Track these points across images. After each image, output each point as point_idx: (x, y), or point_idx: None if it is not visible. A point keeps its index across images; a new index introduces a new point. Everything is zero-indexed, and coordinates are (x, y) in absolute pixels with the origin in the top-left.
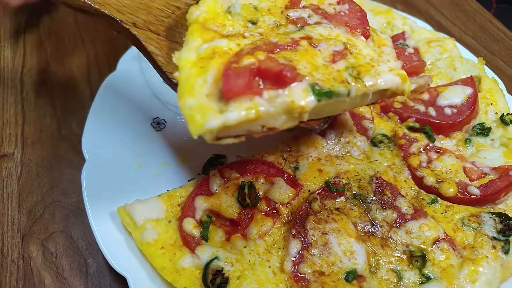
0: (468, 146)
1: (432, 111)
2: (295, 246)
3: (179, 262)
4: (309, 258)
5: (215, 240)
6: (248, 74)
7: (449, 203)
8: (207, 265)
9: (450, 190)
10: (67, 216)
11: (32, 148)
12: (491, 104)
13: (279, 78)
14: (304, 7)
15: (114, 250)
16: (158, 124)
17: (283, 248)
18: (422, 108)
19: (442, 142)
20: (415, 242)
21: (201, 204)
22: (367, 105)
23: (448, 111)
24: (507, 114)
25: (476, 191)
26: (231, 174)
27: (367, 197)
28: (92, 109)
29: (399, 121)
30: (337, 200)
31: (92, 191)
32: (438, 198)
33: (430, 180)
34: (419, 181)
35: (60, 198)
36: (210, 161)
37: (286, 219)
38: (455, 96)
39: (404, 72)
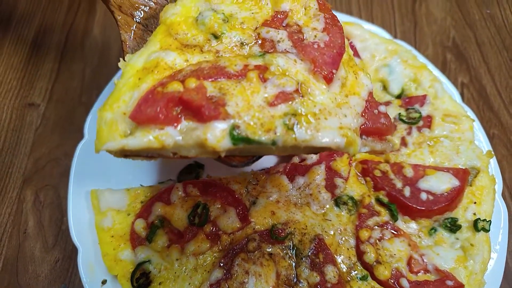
0: (430, 236)
1: (407, 191)
2: (217, 274)
3: (119, 254)
4: None
5: (157, 244)
6: (164, 102)
7: (377, 285)
8: (139, 264)
9: (384, 273)
10: (61, 175)
11: (55, 105)
12: (475, 203)
13: (198, 113)
14: (287, 25)
15: (78, 224)
16: None
17: (208, 271)
18: (399, 184)
19: (405, 224)
20: None
21: (157, 209)
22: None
23: (423, 196)
24: (483, 220)
25: (406, 285)
26: (193, 191)
27: (302, 253)
28: (105, 91)
29: (372, 189)
30: (274, 246)
31: (79, 168)
32: (369, 277)
33: (370, 258)
34: (360, 254)
35: (61, 157)
36: (187, 168)
37: (224, 247)
38: (438, 184)
39: (353, 136)
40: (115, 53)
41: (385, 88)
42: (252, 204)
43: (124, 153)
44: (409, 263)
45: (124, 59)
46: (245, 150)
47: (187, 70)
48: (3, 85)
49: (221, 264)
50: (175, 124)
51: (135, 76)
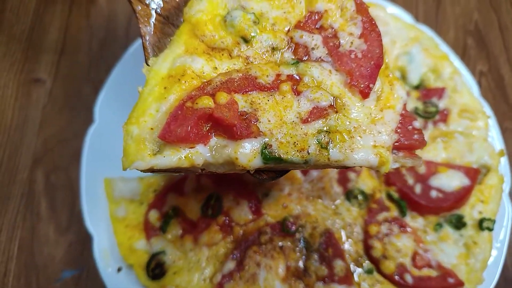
0: (436, 231)
1: (418, 188)
2: (229, 265)
3: (134, 243)
4: (236, 280)
5: (172, 233)
6: (195, 121)
7: (382, 279)
8: (154, 255)
9: (390, 266)
10: (71, 157)
11: (62, 81)
12: (482, 201)
13: (230, 131)
14: (321, 27)
15: (92, 210)
16: None
17: (221, 262)
18: (411, 181)
19: (413, 219)
20: None
21: (171, 200)
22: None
23: (433, 194)
24: (488, 219)
25: (409, 280)
26: (206, 183)
27: (312, 246)
28: (114, 71)
29: (384, 183)
30: (284, 239)
31: (91, 153)
32: (375, 271)
33: (377, 252)
34: (368, 248)
35: (71, 137)
36: None
37: (236, 239)
38: (449, 182)
39: (387, 155)
40: (122, 23)
41: (403, 77)
42: (264, 196)
43: (152, 170)
44: (414, 258)
45: (146, 61)
46: (275, 166)
47: (216, 81)
48: (7, 57)
49: (234, 256)
50: (205, 142)
51: (160, 84)
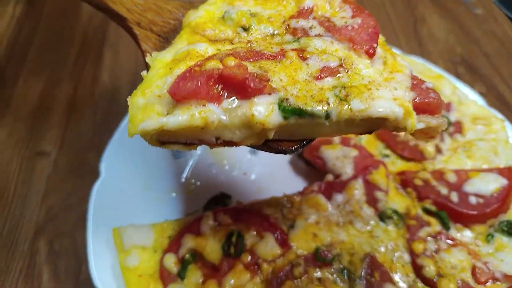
0: (488, 243)
1: (454, 197)
2: None
3: None
4: None
5: (191, 281)
6: (205, 78)
7: None
8: None
9: (450, 286)
10: (76, 221)
11: (67, 151)
12: None
13: (242, 88)
14: (314, 18)
15: (100, 268)
16: (178, 152)
17: None
18: (444, 190)
19: (459, 232)
20: None
21: (188, 242)
22: (364, 133)
23: (473, 200)
24: None
25: None
26: (224, 219)
27: (354, 274)
28: (119, 129)
29: (416, 199)
30: (321, 270)
31: (98, 208)
32: None
33: (430, 271)
34: (418, 270)
35: (75, 203)
36: (214, 199)
37: (266, 277)
38: (485, 185)
39: (409, 106)
40: (125, 94)
41: None
42: (290, 228)
43: (161, 139)
44: (473, 273)
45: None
46: (295, 129)
47: (222, 53)
48: (12, 136)
49: None
50: (217, 103)
51: (165, 67)
